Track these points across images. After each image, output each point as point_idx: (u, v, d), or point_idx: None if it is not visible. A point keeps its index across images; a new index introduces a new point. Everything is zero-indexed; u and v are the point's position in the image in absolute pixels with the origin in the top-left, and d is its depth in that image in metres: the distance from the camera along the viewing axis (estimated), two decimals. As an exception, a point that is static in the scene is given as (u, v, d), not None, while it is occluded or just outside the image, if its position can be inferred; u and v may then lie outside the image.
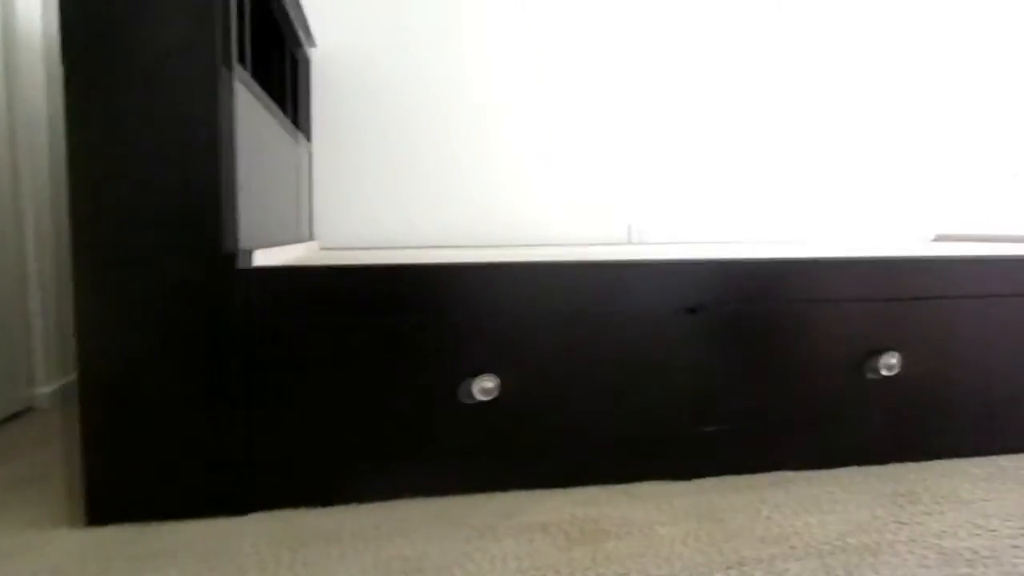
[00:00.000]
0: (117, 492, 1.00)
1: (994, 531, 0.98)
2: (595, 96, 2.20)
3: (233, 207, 1.01)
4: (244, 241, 1.05)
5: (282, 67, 1.69)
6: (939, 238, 2.38)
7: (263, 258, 1.06)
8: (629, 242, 2.26)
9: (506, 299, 1.10)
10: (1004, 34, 2.46)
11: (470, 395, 1.08)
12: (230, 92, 1.00)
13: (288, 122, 1.58)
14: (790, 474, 1.21)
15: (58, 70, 1.75)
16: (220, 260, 0.99)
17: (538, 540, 0.96)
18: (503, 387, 1.10)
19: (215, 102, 0.98)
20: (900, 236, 2.44)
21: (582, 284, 1.12)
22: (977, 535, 0.97)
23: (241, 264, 1.01)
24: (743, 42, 2.28)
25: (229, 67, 1.00)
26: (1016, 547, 0.94)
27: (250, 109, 1.13)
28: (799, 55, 2.32)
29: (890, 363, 1.20)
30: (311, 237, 2.02)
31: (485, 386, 1.07)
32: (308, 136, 1.98)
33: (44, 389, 1.66)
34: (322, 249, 2.02)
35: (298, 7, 1.67)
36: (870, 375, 1.22)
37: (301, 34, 1.79)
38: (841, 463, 1.24)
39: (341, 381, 1.06)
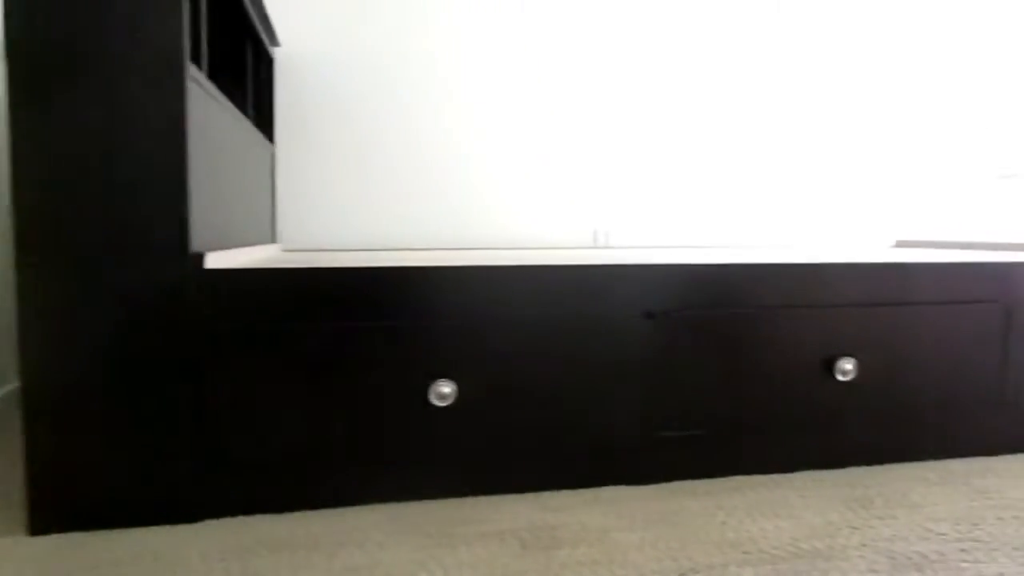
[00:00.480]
0: (61, 499, 0.98)
1: (943, 535, 1.00)
2: (563, 100, 2.20)
3: (184, 208, 0.99)
4: (197, 243, 1.03)
5: (243, 67, 1.66)
6: (900, 244, 2.42)
7: (216, 260, 1.04)
8: (595, 246, 2.26)
9: (463, 303, 1.09)
10: (968, 46, 2.51)
11: (427, 400, 1.07)
12: (181, 91, 0.98)
13: (248, 123, 1.56)
14: (748, 478, 1.21)
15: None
16: (170, 262, 0.97)
17: (493, 547, 0.95)
18: (461, 392, 1.09)
19: (166, 102, 0.96)
20: (863, 241, 2.48)
21: (540, 288, 1.11)
22: (927, 539, 0.98)
23: (192, 266, 0.99)
24: (710, 49, 2.30)
25: (181, 66, 0.98)
26: (963, 551, 0.95)
27: (204, 109, 1.10)
28: (765, 63, 2.34)
29: (846, 368, 1.21)
30: (274, 239, 2.00)
31: (442, 391, 1.06)
32: (271, 137, 1.96)
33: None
34: (285, 251, 1.99)
35: (259, 5, 1.65)
36: (827, 380, 1.23)
37: (263, 33, 1.76)
38: (798, 467, 1.25)
39: (294, 385, 1.04)
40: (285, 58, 2.01)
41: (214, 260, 1.03)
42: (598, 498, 1.12)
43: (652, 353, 1.17)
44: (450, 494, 1.11)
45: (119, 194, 0.96)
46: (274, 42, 1.93)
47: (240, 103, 1.64)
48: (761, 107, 2.35)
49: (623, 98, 2.25)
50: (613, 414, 1.16)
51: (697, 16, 2.28)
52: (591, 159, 2.24)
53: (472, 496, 1.12)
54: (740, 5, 2.31)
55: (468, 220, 2.17)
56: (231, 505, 1.03)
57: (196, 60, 1.10)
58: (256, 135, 1.69)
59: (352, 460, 1.07)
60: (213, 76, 1.49)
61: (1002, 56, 2.53)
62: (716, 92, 2.31)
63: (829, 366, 1.23)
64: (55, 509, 0.98)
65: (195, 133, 1.03)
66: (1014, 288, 1.32)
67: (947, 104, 2.50)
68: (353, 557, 0.92)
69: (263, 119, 1.90)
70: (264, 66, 1.90)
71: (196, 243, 1.03)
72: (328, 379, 1.05)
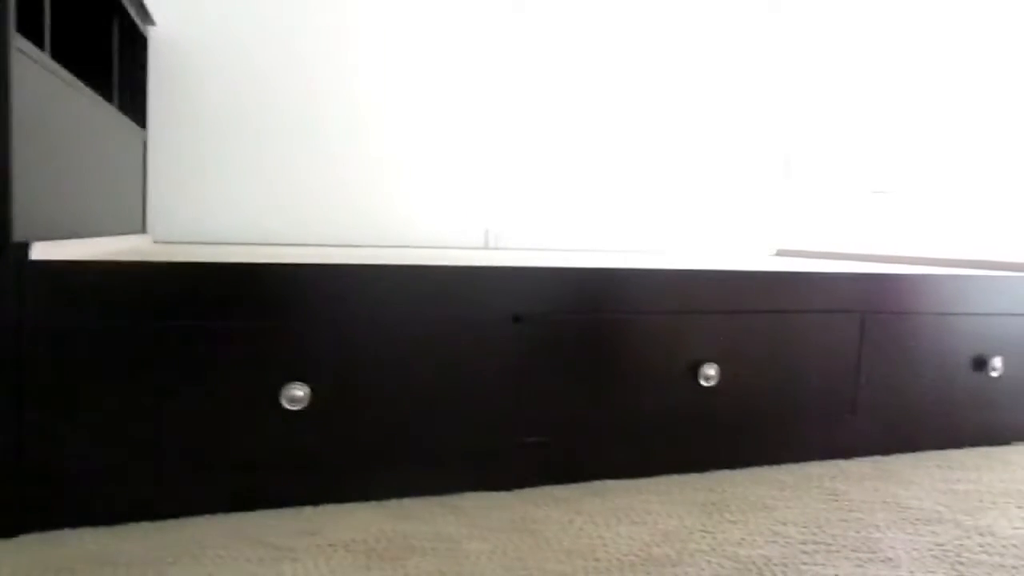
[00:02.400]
0: None
1: (789, 538, 1.02)
2: (456, 96, 2.17)
3: (5, 195, 0.90)
4: (23, 232, 0.95)
5: (108, 46, 1.56)
6: (780, 253, 2.51)
7: (44, 251, 0.95)
8: (486, 247, 2.24)
9: (321, 303, 1.04)
10: (851, 69, 2.62)
11: (278, 404, 1.02)
12: (5, 65, 0.90)
13: (110, 106, 1.46)
14: (611, 483, 1.22)
15: None
16: (-15, 253, 0.89)
17: (338, 559, 0.91)
18: (315, 395, 1.04)
19: (-17, 76, 0.88)
20: (745, 250, 2.56)
21: (405, 289, 1.08)
22: (773, 542, 1.01)
23: (13, 258, 0.90)
24: (602, 53, 2.32)
25: (5, 38, 0.89)
26: (806, 553, 0.97)
27: (40, 87, 1.02)
28: (656, 70, 2.38)
29: (709, 374, 1.23)
30: (143, 230, 1.88)
31: (294, 395, 1.01)
32: (142, 122, 1.84)
33: None
34: (155, 243, 1.88)
35: (125, -20, 1.55)
36: (691, 385, 1.25)
37: (133, 10, 1.65)
38: (662, 472, 1.26)
39: (130, 388, 0.97)
40: (162, 38, 1.90)
41: (41, 251, 0.95)
42: (457, 506, 1.10)
43: (518, 357, 1.15)
44: (301, 502, 1.06)
45: (-75, 175, 0.87)
46: (148, 21, 1.81)
47: (104, 85, 1.54)
48: (653, 115, 2.39)
49: (517, 98, 2.24)
50: (476, 419, 1.14)
51: (590, 19, 2.30)
52: (484, 159, 2.22)
53: (324, 504, 1.07)
54: (630, 10, 2.34)
55: (356, 217, 2.11)
56: (53, 518, 0.95)
57: (30, 31, 1.01)
58: (121, 120, 1.58)
59: (193, 468, 1.01)
60: (66, 53, 1.38)
61: (880, 82, 2.66)
62: (609, 97, 2.33)
63: (694, 372, 1.24)
64: None
65: (24, 113, 0.95)
66: (870, 299, 1.37)
67: (828, 122, 2.61)
68: (186, 572, 0.86)
69: (133, 103, 1.79)
70: (136, 47, 1.78)
71: (21, 232, 0.94)
72: (168, 382, 0.98)
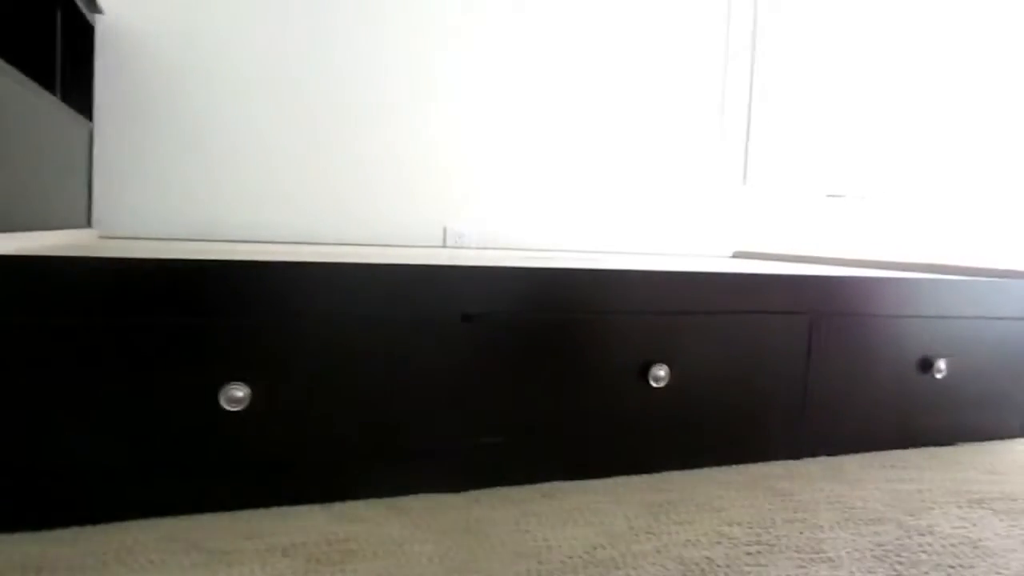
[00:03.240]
0: None
1: (735, 539, 1.02)
2: (415, 91, 2.15)
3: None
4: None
5: (51, 35, 1.51)
6: (737, 254, 2.53)
7: (-29, 246, 0.92)
8: (444, 245, 2.22)
9: (262, 301, 1.02)
10: (800, 64, 2.66)
11: (217, 404, 0.99)
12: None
13: (51, 96, 1.41)
14: (563, 484, 1.21)
15: None
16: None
17: (276, 564, 0.89)
18: (258, 395, 1.02)
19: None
20: (704, 252, 2.58)
21: (350, 287, 1.06)
22: (719, 543, 1.01)
23: (-65, 252, 0.87)
24: (563, 54, 2.31)
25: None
26: (750, 554, 0.98)
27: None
28: (614, 72, 2.39)
29: (659, 375, 1.23)
30: (88, 224, 1.83)
31: (234, 395, 0.99)
32: (88, 113, 1.79)
33: None
34: (100, 237, 1.83)
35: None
36: (642, 386, 1.25)
37: (77, -2, 1.61)
38: (613, 473, 1.26)
39: (61, 386, 0.94)
40: (110, 27, 1.85)
41: (-33, 245, 0.91)
42: (405, 507, 1.08)
43: (468, 357, 1.14)
44: (241, 505, 1.03)
45: None
46: (95, 9, 1.76)
47: (46, 74, 1.49)
48: (615, 119, 2.39)
49: (480, 96, 2.22)
50: (426, 419, 1.12)
51: (556, 19, 2.30)
52: (443, 156, 2.20)
53: (266, 507, 1.05)
54: (597, 14, 2.34)
55: (312, 214, 2.08)
56: (-22, 523, 0.92)
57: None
58: (64, 110, 1.53)
59: (128, 469, 0.98)
60: (5, 42, 1.33)
61: (837, 89, 2.70)
62: (572, 101, 2.33)
63: (644, 373, 1.24)
64: None
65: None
66: (819, 301, 1.39)
67: (785, 127, 2.64)
68: (114, 579, 0.83)
69: (78, 93, 1.74)
70: (81, 36, 1.73)
71: (-55, 225, 0.90)
72: (101, 381, 0.95)
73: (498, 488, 1.18)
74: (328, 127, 2.06)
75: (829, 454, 1.44)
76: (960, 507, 1.19)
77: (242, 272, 1.00)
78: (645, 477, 1.27)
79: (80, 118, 1.69)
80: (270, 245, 1.81)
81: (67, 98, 1.65)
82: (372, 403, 1.08)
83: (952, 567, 0.96)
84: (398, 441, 1.11)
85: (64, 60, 1.62)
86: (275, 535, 0.96)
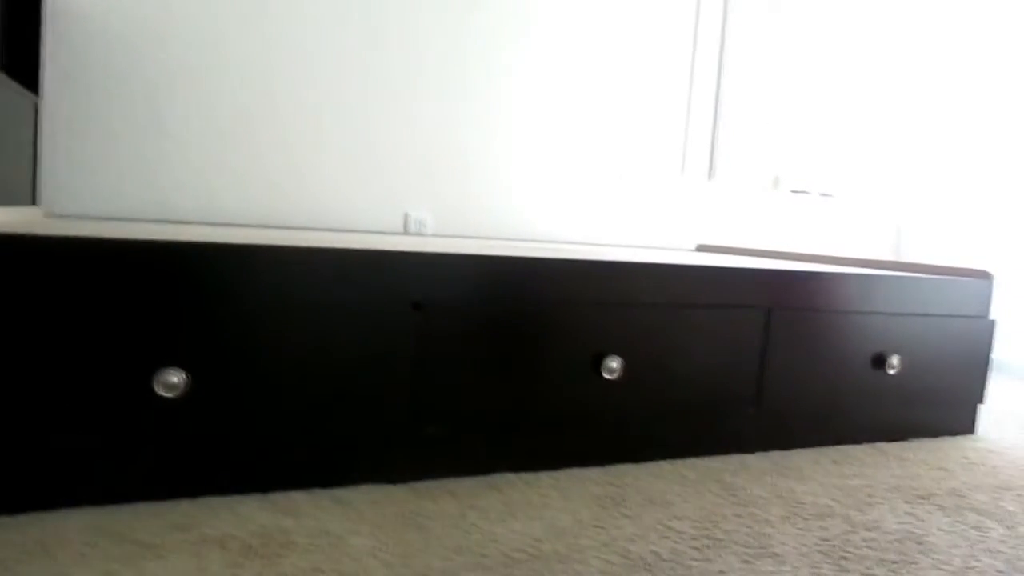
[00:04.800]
0: None
1: (681, 533, 1.01)
2: (376, 72, 2.11)
3: None
4: None
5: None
6: (700, 248, 2.53)
7: None
8: (406, 232, 2.19)
9: (201, 285, 0.98)
10: (766, 59, 2.66)
11: (152, 391, 0.96)
12: None
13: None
14: (511, 476, 1.19)
15: None
16: None
17: (208, 556, 0.86)
18: (194, 382, 0.98)
19: None
20: (669, 245, 2.57)
21: (293, 271, 1.03)
22: (666, 538, 1.00)
23: None
24: (528, 40, 2.29)
25: None
26: (696, 549, 0.97)
27: None
28: (579, 61, 2.37)
29: (612, 367, 1.22)
30: (34, 201, 1.76)
31: (169, 381, 0.95)
32: (34, 87, 1.72)
33: None
34: (46, 216, 1.77)
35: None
36: (595, 378, 1.23)
37: (21, -34, 1.54)
38: (564, 465, 1.25)
39: (-17, 372, 0.89)
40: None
41: None
42: (347, 499, 1.05)
43: (417, 345, 1.11)
44: (176, 495, 1.00)
45: None
46: (41, -22, 1.69)
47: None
48: (583, 110, 2.37)
49: (444, 80, 2.19)
50: (372, 409, 1.09)
51: (521, 2, 2.27)
52: (405, 139, 2.16)
53: (203, 497, 1.01)
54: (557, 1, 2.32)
55: (268, 196, 2.03)
56: None
57: None
58: (5, 82, 1.47)
59: (59, 457, 0.94)
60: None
61: (802, 84, 2.71)
62: (537, 90, 2.30)
63: (597, 364, 1.23)
64: None
65: None
66: (775, 296, 1.38)
67: (750, 121, 2.65)
68: (38, 571, 0.80)
69: (23, 66, 1.67)
70: (26, 6, 1.66)
71: None
72: (30, 364, 0.91)
73: (444, 480, 1.16)
74: (288, 109, 2.01)
75: (782, 449, 1.45)
76: (907, 502, 1.19)
77: (179, 254, 0.97)
78: (595, 470, 1.26)
79: (24, 91, 1.63)
80: (223, 228, 1.76)
81: (11, 70, 1.59)
82: (315, 391, 1.05)
83: (895, 562, 0.96)
84: (341, 431, 1.08)
85: (9, 30, 1.55)
86: (209, 526, 0.93)
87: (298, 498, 1.04)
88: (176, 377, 0.96)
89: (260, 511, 0.99)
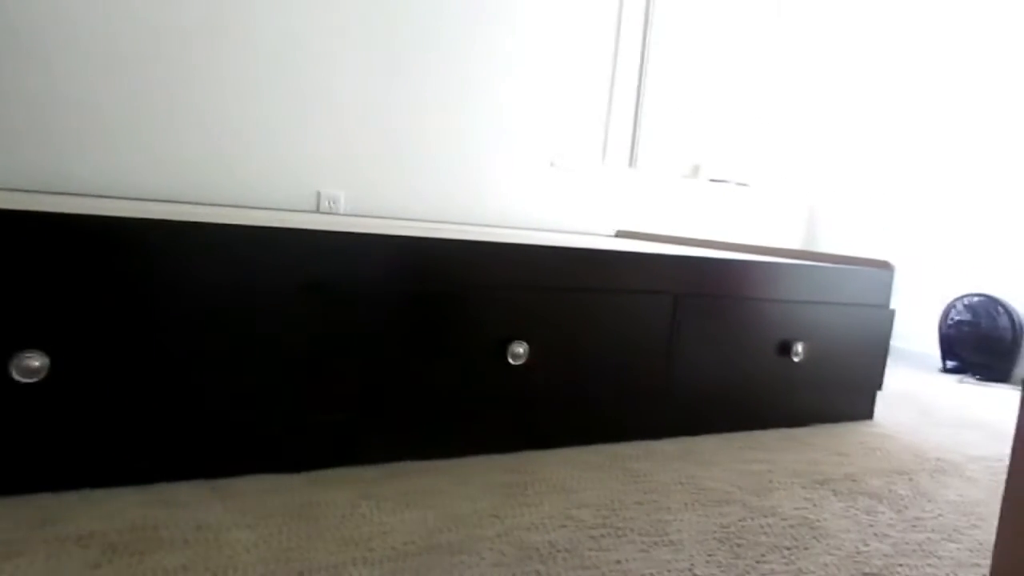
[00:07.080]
0: None
1: (581, 522, 1.00)
2: (296, 42, 2.01)
3: None
4: None
5: None
6: (619, 234, 2.54)
7: None
8: (317, 211, 2.11)
9: (66, 260, 0.90)
10: (687, 55, 2.67)
11: (9, 375, 0.87)
12: None
13: None
14: (411, 464, 1.15)
15: None
16: None
17: (67, 554, 0.79)
18: (56, 366, 0.90)
19: None
20: (589, 230, 2.57)
21: (176, 249, 0.95)
22: (564, 527, 0.98)
23: None
24: (455, 22, 2.23)
25: None
26: (593, 538, 0.95)
27: None
28: (500, 48, 2.32)
29: (517, 352, 1.19)
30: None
31: (28, 365, 0.87)
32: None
33: None
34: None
35: None
36: (501, 364, 1.20)
37: None
38: (467, 452, 1.21)
39: None
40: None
41: None
42: (231, 490, 0.99)
43: (312, 328, 1.05)
44: (38, 488, 0.92)
45: None
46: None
47: None
48: (504, 94, 2.33)
49: (366, 54, 2.11)
50: (262, 394, 1.03)
51: (441, -18, 2.20)
52: (319, 114, 2.08)
53: (71, 490, 0.94)
54: (485, -22, 2.27)
55: (176, 169, 1.92)
56: None
57: None
58: None
59: None
60: None
61: (723, 77, 2.74)
62: (461, 73, 2.25)
63: (502, 349, 1.20)
64: None
65: None
66: (683, 282, 1.38)
67: (670, 111, 2.66)
68: None
69: None
70: None
71: None
72: None
73: (340, 468, 1.11)
74: (197, 80, 1.90)
75: (690, 434, 1.45)
76: (804, 488, 1.21)
77: (37, 225, 0.88)
78: (498, 457, 1.23)
79: None
80: (120, 201, 1.65)
81: None
82: (199, 375, 0.99)
83: (789, 548, 0.97)
84: (229, 417, 1.01)
85: None
86: (73, 521, 0.86)
87: (178, 490, 0.98)
88: (37, 361, 0.87)
89: (132, 505, 0.92)
